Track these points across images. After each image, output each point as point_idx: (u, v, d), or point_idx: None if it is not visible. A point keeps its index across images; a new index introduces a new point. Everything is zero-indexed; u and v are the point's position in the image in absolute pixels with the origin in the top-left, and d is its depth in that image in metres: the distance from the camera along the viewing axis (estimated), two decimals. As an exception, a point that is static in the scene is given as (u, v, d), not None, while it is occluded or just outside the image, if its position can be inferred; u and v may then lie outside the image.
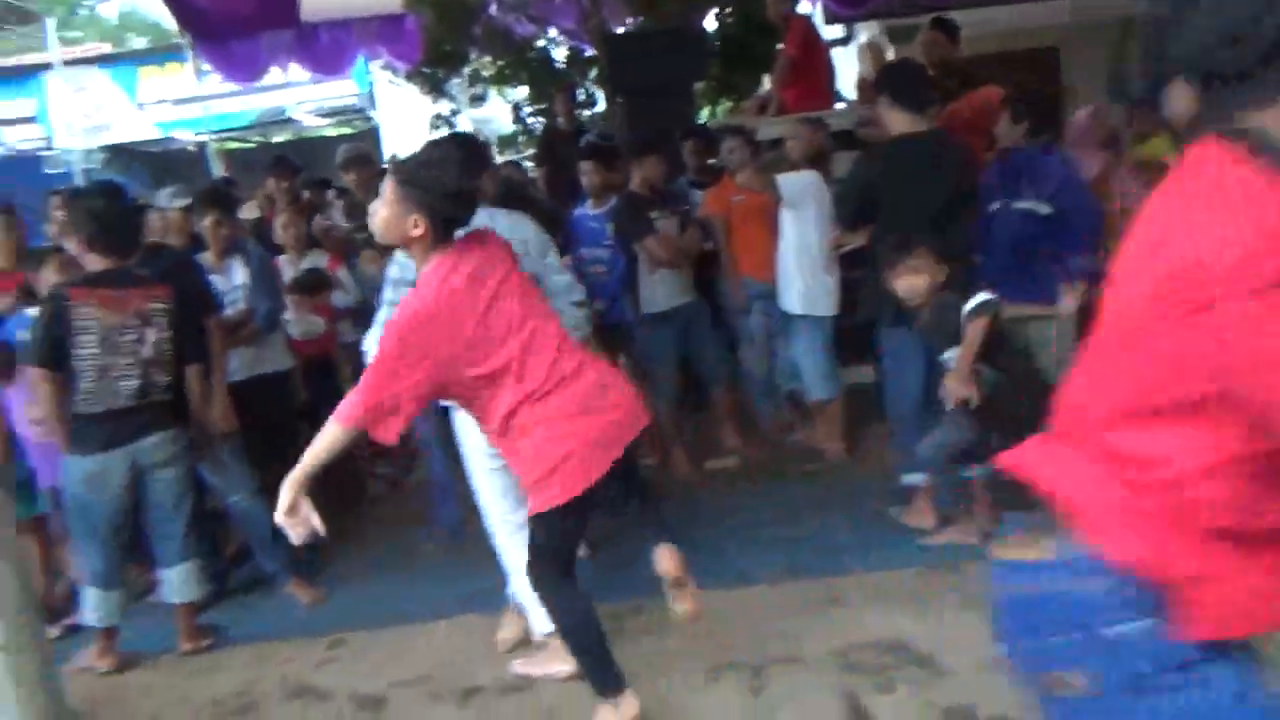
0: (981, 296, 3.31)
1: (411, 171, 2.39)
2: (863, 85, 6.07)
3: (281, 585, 3.86)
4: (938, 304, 3.39)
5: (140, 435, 3.32)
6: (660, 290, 4.59)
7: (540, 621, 2.86)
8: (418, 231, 2.37)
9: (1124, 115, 5.07)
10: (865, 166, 3.75)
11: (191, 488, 3.52)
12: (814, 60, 5.86)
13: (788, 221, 4.51)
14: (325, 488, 2.88)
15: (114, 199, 3.49)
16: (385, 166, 4.04)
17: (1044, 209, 4.08)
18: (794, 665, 2.87)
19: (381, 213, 2.41)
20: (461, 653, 3.21)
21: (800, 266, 4.51)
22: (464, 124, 8.25)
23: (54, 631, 3.75)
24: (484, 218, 2.85)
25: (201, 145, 14.14)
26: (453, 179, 2.38)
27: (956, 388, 3.30)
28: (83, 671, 3.37)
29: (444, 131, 7.49)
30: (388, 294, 2.97)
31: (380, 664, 3.16)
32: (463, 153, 2.66)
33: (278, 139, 15.21)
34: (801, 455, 4.77)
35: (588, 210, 4.72)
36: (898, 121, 3.62)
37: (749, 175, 4.63)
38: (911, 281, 3.33)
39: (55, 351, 3.25)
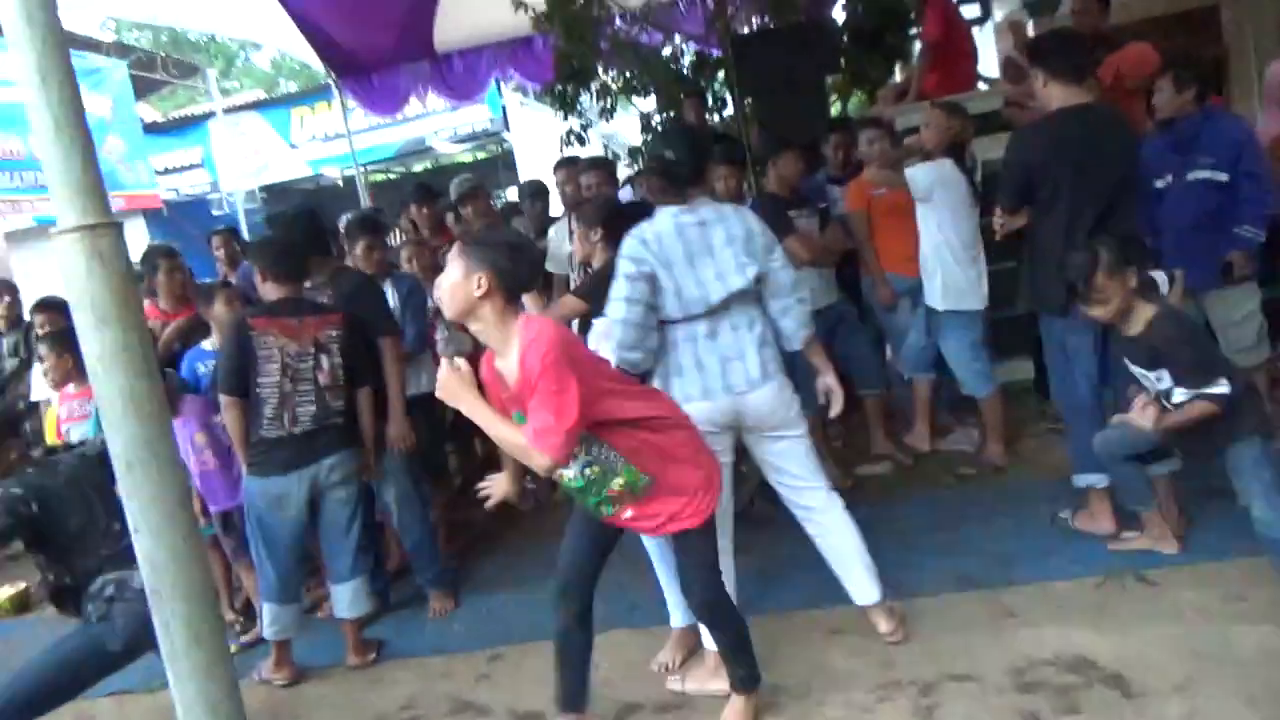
0: (1224, 389, 2.77)
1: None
2: (1007, 64, 5.73)
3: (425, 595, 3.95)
4: (1173, 320, 2.93)
5: (318, 458, 3.47)
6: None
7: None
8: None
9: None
10: (1024, 145, 3.48)
11: (362, 507, 3.66)
12: (955, 42, 5.58)
13: (922, 214, 4.30)
14: (478, 503, 2.89)
15: (291, 228, 3.71)
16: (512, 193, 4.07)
17: (1222, 176, 3.74)
18: (967, 683, 2.69)
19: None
20: (618, 669, 3.17)
21: (940, 260, 4.28)
22: (594, 138, 8.32)
23: (233, 646, 3.97)
24: (711, 213, 2.87)
25: (350, 179, 14.91)
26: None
27: (1142, 409, 2.97)
28: (261, 683, 3.53)
29: (574, 148, 7.54)
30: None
31: (538, 679, 3.15)
32: None
33: (418, 168, 15.85)
34: (958, 459, 4.52)
35: None
36: (1057, 95, 3.36)
37: (874, 170, 4.45)
38: (1102, 309, 2.94)
39: (239, 379, 3.44)
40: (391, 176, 15.99)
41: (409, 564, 4.13)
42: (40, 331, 4.86)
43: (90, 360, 1.06)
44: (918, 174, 4.19)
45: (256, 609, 4.11)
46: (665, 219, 2.86)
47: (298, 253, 3.65)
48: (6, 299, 5.78)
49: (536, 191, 5.75)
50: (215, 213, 13.55)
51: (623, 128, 10.86)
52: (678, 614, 3.10)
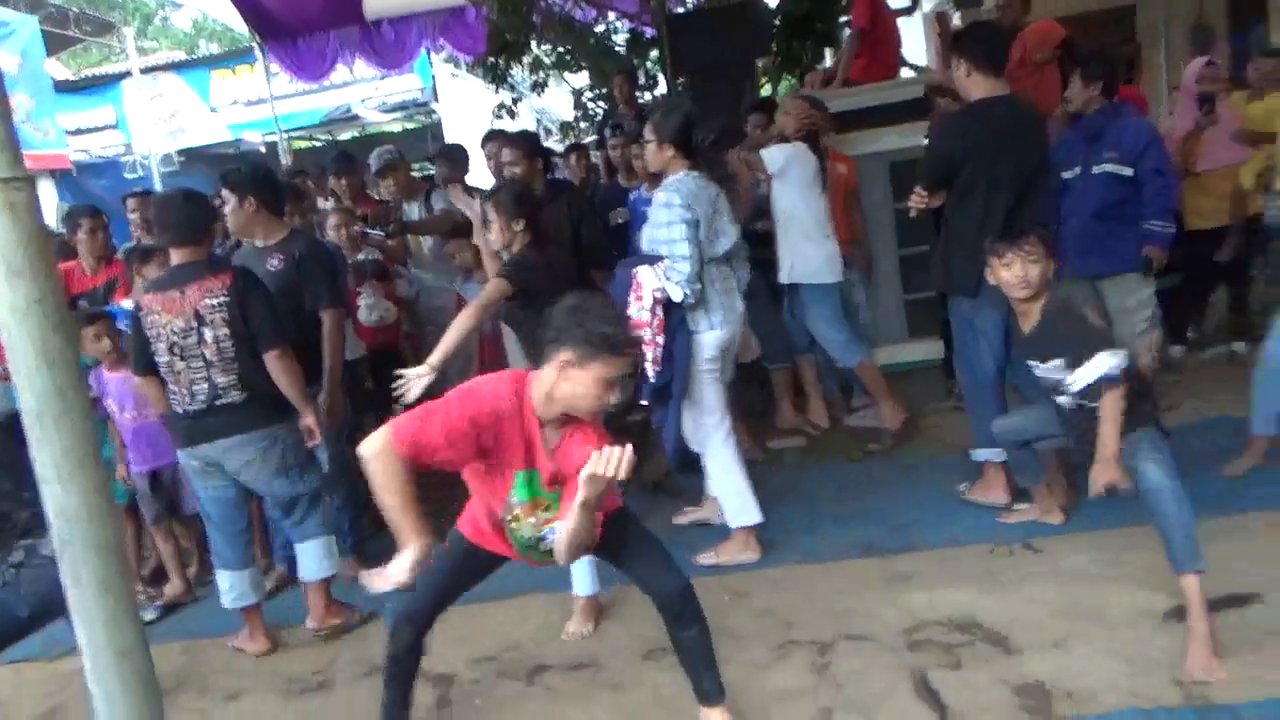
0: (1119, 360, 2.66)
1: None
2: (939, 55, 5.92)
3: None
4: (1060, 307, 2.89)
5: (211, 439, 3.29)
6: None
7: (733, 516, 3.52)
8: None
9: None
10: (946, 132, 3.63)
11: (290, 479, 3.44)
12: (882, 30, 5.73)
13: (777, 193, 4.49)
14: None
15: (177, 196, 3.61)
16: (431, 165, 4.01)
17: (1126, 171, 3.96)
18: (862, 643, 2.83)
19: None
20: (529, 631, 3.25)
21: (789, 236, 4.49)
22: (525, 112, 8.29)
23: (150, 614, 3.94)
24: (709, 180, 3.40)
25: (272, 145, 14.52)
26: None
27: (1101, 477, 2.62)
28: (236, 651, 3.50)
29: (505, 121, 7.52)
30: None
31: (449, 643, 3.20)
32: None
33: (344, 136, 15.50)
34: (867, 433, 4.70)
35: (643, 193, 4.71)
36: (977, 86, 3.51)
37: (741, 152, 4.60)
38: (1027, 270, 2.82)
39: (143, 357, 3.36)
40: (316, 144, 15.61)
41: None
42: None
43: (2, 313, 1.07)
44: (772, 153, 4.42)
45: (170, 575, 4.09)
46: (690, 180, 3.44)
47: (192, 213, 3.37)
48: None
49: (446, 153, 5.49)
50: (129, 175, 13.06)
51: (555, 103, 10.82)
52: (582, 583, 3.17)
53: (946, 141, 3.58)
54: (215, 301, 3.27)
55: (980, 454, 3.70)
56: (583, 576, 3.16)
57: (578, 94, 7.92)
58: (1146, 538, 2.74)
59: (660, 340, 3.40)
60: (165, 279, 3.39)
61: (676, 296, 3.38)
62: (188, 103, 13.73)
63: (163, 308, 3.30)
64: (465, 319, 3.19)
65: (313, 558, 3.50)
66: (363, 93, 13.35)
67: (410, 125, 15.87)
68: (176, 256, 3.38)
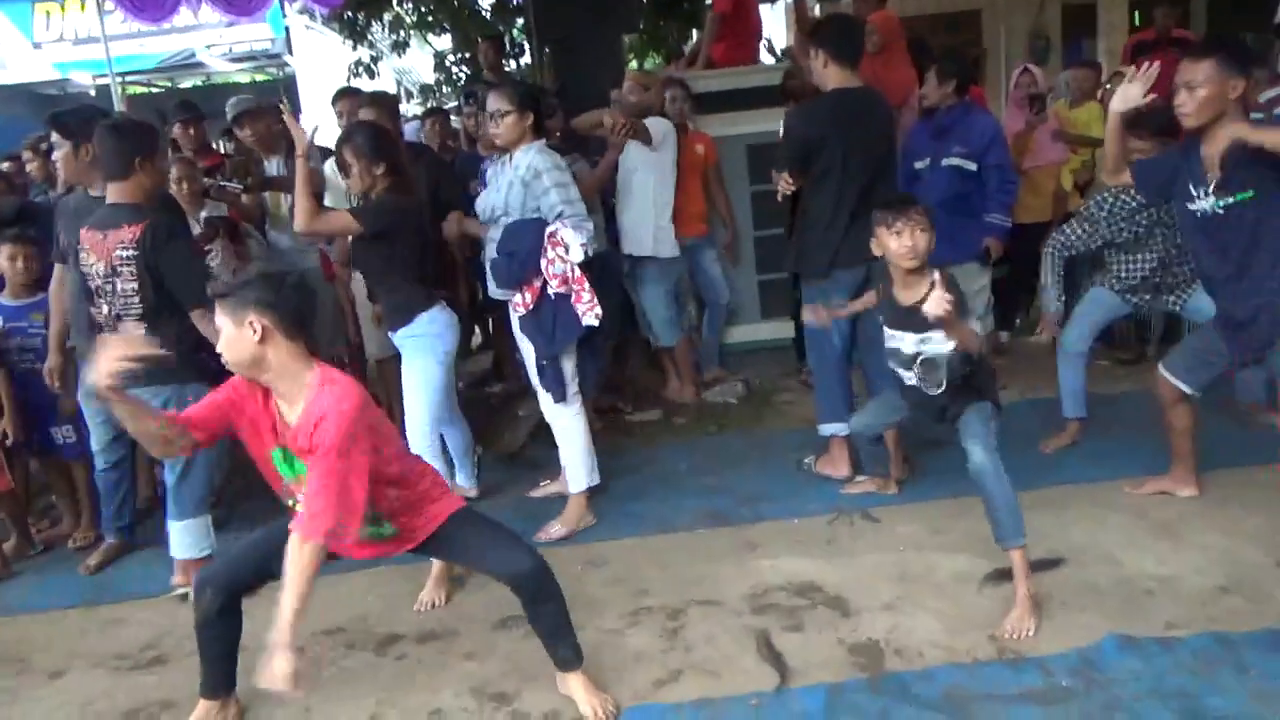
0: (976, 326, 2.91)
1: None
2: (798, 43, 6.08)
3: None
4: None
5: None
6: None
7: (576, 481, 3.59)
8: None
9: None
10: (803, 119, 3.74)
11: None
12: (743, 16, 5.84)
13: (636, 163, 4.55)
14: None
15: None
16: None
17: (971, 165, 4.23)
18: (710, 608, 2.94)
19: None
20: (380, 601, 3.19)
21: (641, 209, 4.60)
22: (385, 72, 8.00)
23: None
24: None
25: (104, 88, 13.43)
26: None
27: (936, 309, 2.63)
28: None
29: (364, 80, 7.23)
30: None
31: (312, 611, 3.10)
32: None
33: (186, 84, 14.53)
34: (720, 410, 4.83)
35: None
36: (834, 76, 3.63)
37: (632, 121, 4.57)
38: (915, 239, 2.82)
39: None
40: (154, 90, 14.56)
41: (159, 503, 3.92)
42: None
43: None
44: (658, 123, 4.50)
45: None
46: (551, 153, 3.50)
47: (125, 145, 3.18)
48: None
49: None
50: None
51: (416, 64, 10.50)
52: None
53: (805, 126, 3.70)
54: (125, 254, 3.11)
55: (826, 429, 3.87)
56: None
57: (440, 56, 7.71)
58: (972, 507, 2.96)
59: (588, 290, 3.42)
60: (97, 216, 3.21)
61: (579, 256, 3.36)
62: (8, 36, 12.51)
63: (89, 246, 3.16)
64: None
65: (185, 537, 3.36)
66: (207, 38, 12.51)
67: (260, 77, 15.05)
68: (109, 194, 3.21)
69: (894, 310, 2.99)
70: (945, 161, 4.30)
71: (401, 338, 3.43)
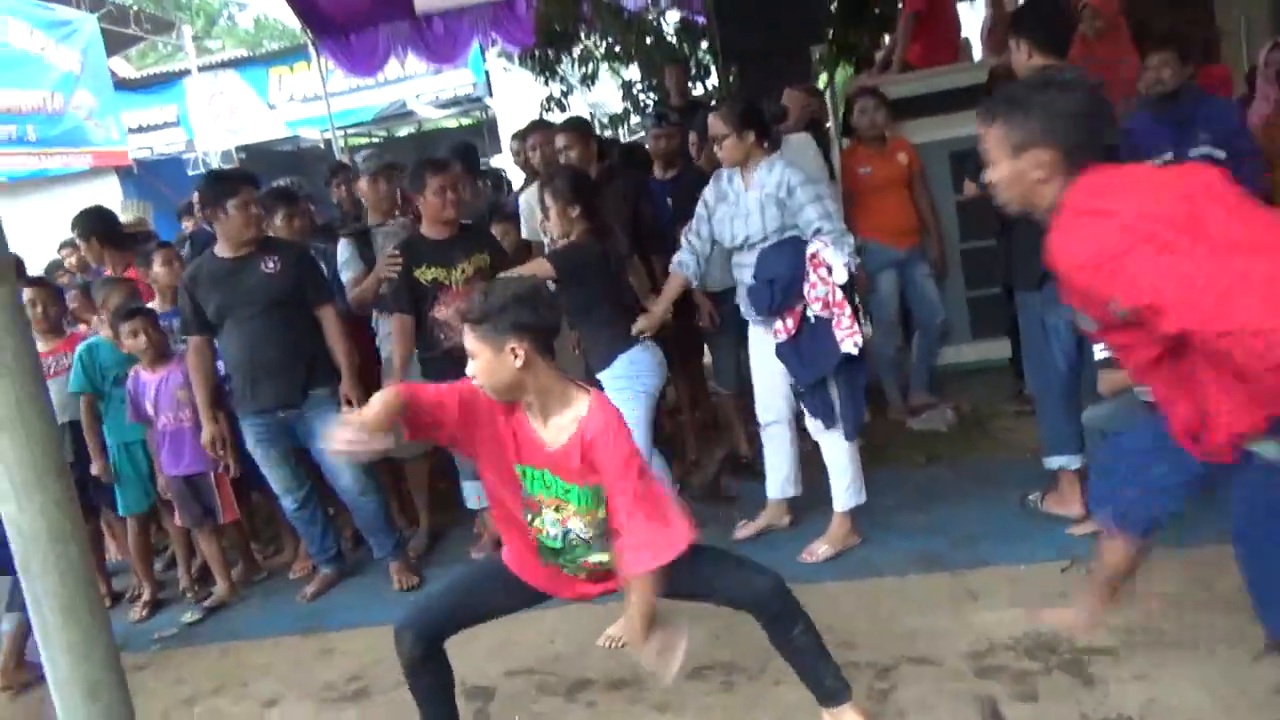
0: None
1: None
2: (990, 35, 5.65)
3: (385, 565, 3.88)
4: None
5: None
6: (717, 269, 3.98)
7: (844, 499, 3.45)
8: None
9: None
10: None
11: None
12: (939, 12, 5.49)
13: None
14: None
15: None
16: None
17: (1220, 154, 3.70)
18: (925, 667, 2.63)
19: None
20: (571, 643, 3.11)
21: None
22: (578, 107, 8.17)
23: (190, 615, 3.89)
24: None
25: (329, 142, 14.65)
26: None
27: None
28: None
29: (555, 114, 7.40)
30: None
31: (492, 655, 3.08)
32: None
33: (401, 132, 15.59)
34: (930, 437, 4.46)
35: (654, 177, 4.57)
36: (1040, 67, 3.28)
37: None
38: None
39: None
40: (374, 140, 15.74)
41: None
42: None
43: None
44: (798, 139, 4.28)
45: (216, 577, 4.04)
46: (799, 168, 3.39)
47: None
48: None
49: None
50: (190, 172, 13.28)
51: (604, 97, 10.71)
52: None
53: None
54: None
55: (1054, 461, 3.45)
56: None
57: (628, 86, 7.76)
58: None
59: (849, 315, 3.27)
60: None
61: (842, 277, 3.23)
62: (247, 100, 13.93)
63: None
64: None
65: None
66: (417, 89, 13.40)
67: (465, 121, 15.92)
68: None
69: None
70: (1194, 152, 3.77)
71: (604, 378, 3.35)
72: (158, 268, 4.24)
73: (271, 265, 3.68)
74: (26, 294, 3.94)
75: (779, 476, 3.66)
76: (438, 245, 3.66)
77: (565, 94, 7.57)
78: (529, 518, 2.26)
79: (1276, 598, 1.93)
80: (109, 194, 12.57)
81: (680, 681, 2.74)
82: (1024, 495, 3.59)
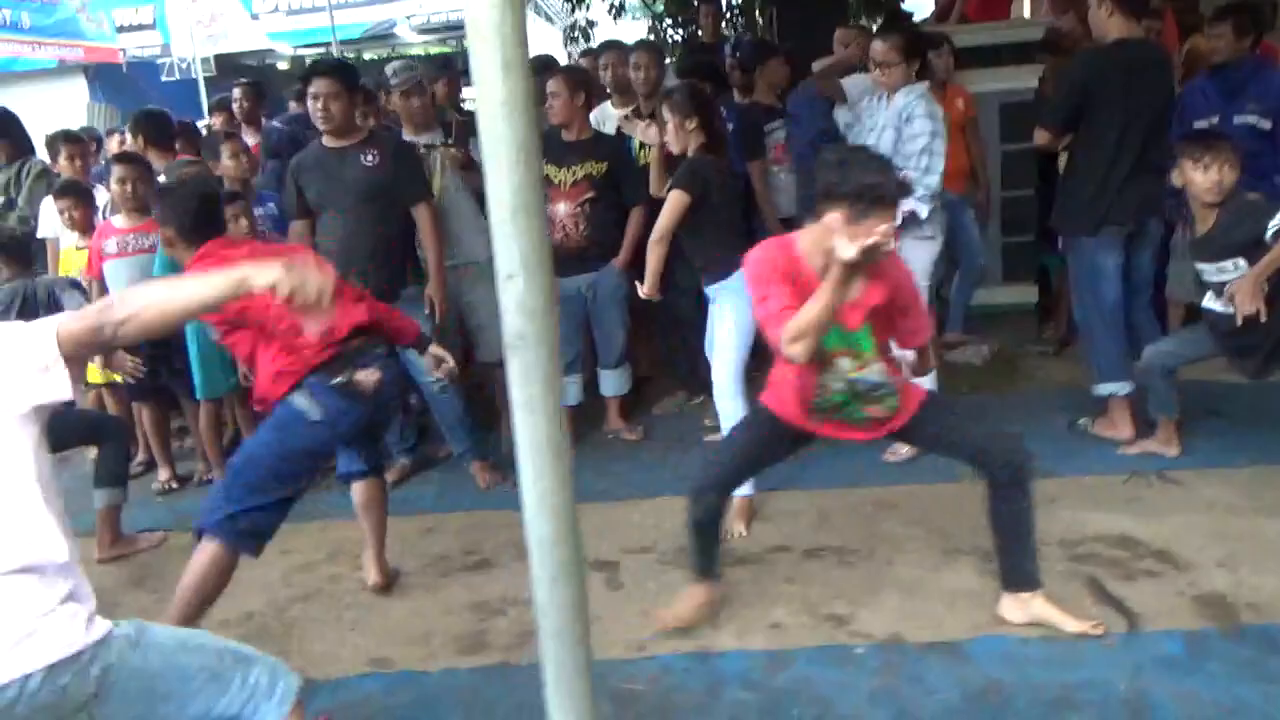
0: None
1: None
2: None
3: (466, 464, 3.98)
4: (1244, 205, 3.12)
5: None
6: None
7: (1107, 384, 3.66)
8: None
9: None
10: (1084, 68, 3.63)
11: None
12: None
13: (845, 126, 4.40)
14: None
15: None
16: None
17: (1266, 124, 3.99)
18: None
19: None
20: (669, 536, 3.22)
21: None
22: (602, 38, 8.17)
23: None
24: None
25: (300, 59, 14.18)
26: None
27: (1246, 301, 2.99)
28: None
29: (580, 45, 7.40)
30: None
31: (602, 532, 3.24)
32: None
33: (368, 55, 15.04)
34: (967, 371, 4.73)
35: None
36: (1117, 25, 3.51)
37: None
38: (1223, 175, 3.05)
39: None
40: (346, 60, 15.26)
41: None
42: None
43: (491, 105, 0.95)
44: (858, 81, 4.24)
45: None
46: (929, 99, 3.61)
47: None
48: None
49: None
50: (164, 78, 12.80)
51: (630, 33, 10.66)
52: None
53: (1086, 76, 3.58)
54: None
55: (1104, 388, 3.75)
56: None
57: (657, 19, 7.78)
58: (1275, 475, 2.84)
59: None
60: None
61: (923, 213, 3.48)
62: (229, 7, 13.42)
63: None
64: (654, 245, 3.29)
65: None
66: (408, 8, 13.06)
67: (445, 49, 15.51)
68: None
69: (1195, 243, 3.17)
70: (1238, 119, 4.07)
71: (718, 289, 3.45)
72: (226, 160, 4.24)
73: (371, 158, 3.71)
74: (116, 171, 3.92)
75: None
76: (565, 145, 3.77)
77: (590, 24, 7.57)
78: (822, 378, 2.43)
79: None
80: (76, 95, 12.06)
81: (800, 560, 2.99)
82: (1072, 421, 3.90)
